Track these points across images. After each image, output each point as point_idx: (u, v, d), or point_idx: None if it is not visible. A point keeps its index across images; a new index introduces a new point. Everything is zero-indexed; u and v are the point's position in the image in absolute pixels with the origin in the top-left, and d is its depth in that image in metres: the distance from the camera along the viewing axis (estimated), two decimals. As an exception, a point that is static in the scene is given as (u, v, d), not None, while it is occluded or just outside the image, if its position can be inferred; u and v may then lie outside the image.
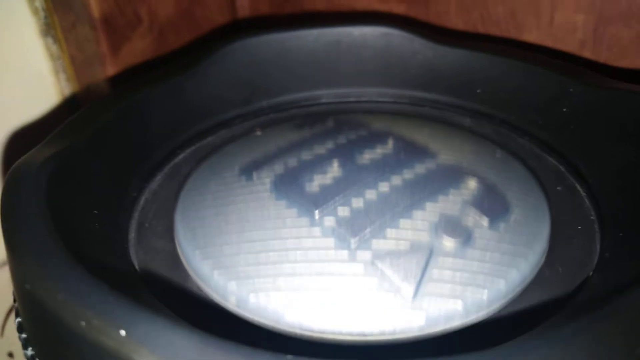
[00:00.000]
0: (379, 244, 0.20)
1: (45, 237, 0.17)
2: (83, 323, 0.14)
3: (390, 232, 0.20)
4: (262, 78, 0.30)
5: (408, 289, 0.18)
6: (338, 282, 0.19)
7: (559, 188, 0.24)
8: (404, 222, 0.20)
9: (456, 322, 0.18)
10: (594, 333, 0.14)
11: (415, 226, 0.20)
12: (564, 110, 0.26)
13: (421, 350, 0.18)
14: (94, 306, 0.14)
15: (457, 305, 0.18)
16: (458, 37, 0.34)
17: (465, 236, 0.20)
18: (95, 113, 0.25)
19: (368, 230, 0.20)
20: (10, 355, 0.29)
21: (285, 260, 0.19)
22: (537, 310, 0.19)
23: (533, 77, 0.27)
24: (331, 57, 0.31)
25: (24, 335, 0.18)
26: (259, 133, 0.28)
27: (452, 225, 0.20)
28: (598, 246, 0.21)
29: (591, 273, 0.20)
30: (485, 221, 0.21)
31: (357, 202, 0.21)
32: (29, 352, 0.18)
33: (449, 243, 0.20)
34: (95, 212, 0.21)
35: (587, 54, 0.32)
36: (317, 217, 0.21)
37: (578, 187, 0.24)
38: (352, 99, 0.31)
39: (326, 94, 0.31)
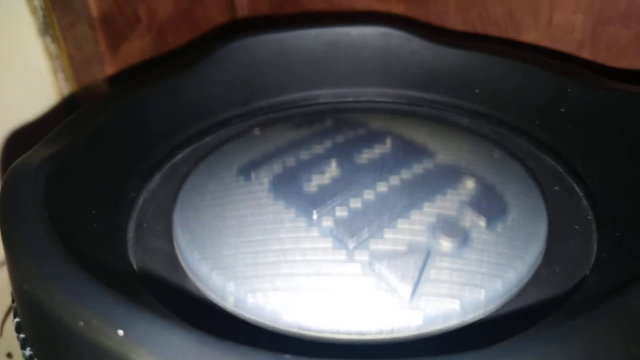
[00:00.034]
0: (376, 244, 0.20)
1: (44, 237, 0.17)
2: (81, 323, 0.14)
3: (388, 232, 0.20)
4: (261, 78, 0.30)
5: (405, 289, 0.18)
6: (336, 283, 0.19)
7: (556, 188, 0.24)
8: (401, 223, 0.20)
9: (454, 322, 0.18)
10: (591, 332, 0.14)
11: (413, 227, 0.20)
12: (562, 110, 0.26)
13: (419, 350, 0.18)
14: (92, 306, 0.14)
15: (454, 305, 0.18)
16: (457, 37, 0.34)
17: (462, 236, 0.20)
18: (93, 113, 0.25)
19: (366, 230, 0.20)
20: (9, 355, 0.29)
21: (283, 261, 0.19)
22: (534, 310, 0.19)
23: (531, 77, 0.28)
24: (330, 57, 0.31)
25: (22, 335, 0.18)
26: (257, 133, 0.28)
27: (449, 226, 0.20)
28: (595, 246, 0.21)
29: (588, 273, 0.20)
30: (482, 221, 0.21)
31: (355, 203, 0.21)
32: (27, 352, 0.18)
33: (446, 243, 0.20)
34: (94, 212, 0.21)
35: (585, 54, 0.32)
36: (315, 217, 0.21)
37: (576, 187, 0.24)
38: (350, 99, 0.31)
39: (325, 94, 0.31)
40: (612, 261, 0.20)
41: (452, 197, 0.22)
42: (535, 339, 0.14)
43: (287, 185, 0.22)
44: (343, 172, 0.23)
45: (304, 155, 0.24)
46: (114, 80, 0.33)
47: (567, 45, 0.32)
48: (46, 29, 0.32)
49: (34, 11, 0.32)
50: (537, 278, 0.20)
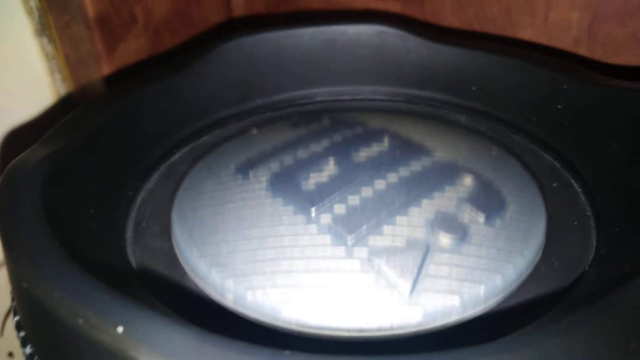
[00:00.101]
0: (375, 240, 0.20)
1: (42, 236, 0.17)
2: (81, 321, 0.14)
3: (386, 229, 0.20)
4: (257, 77, 0.30)
5: (405, 285, 0.18)
6: (335, 279, 0.19)
7: (554, 184, 0.24)
8: (400, 219, 0.20)
9: (453, 318, 0.18)
10: (590, 327, 0.14)
11: (412, 223, 0.20)
12: (559, 107, 0.26)
13: (419, 346, 0.18)
14: (91, 304, 0.14)
15: (454, 301, 0.18)
16: (453, 35, 0.34)
17: (461, 232, 0.20)
18: (90, 113, 0.25)
19: (364, 227, 0.20)
20: (10, 354, 0.29)
21: (282, 258, 0.19)
22: (533, 305, 0.19)
23: (528, 74, 0.28)
24: (326, 55, 0.31)
25: (22, 334, 0.18)
26: (254, 132, 0.28)
27: (448, 222, 0.20)
28: (594, 242, 0.21)
29: (587, 268, 0.20)
30: (481, 217, 0.21)
31: (354, 200, 0.21)
32: (28, 350, 0.18)
33: (445, 239, 0.20)
34: (92, 211, 0.21)
35: (581, 51, 0.32)
36: (313, 214, 0.21)
37: (573, 183, 0.24)
38: (347, 97, 0.31)
39: (321, 93, 0.31)
40: (611, 257, 0.20)
41: (451, 193, 0.22)
42: (534, 334, 0.14)
43: (285, 184, 0.22)
44: (341, 170, 0.23)
45: (302, 153, 0.24)
46: (111, 80, 0.33)
47: (563, 43, 0.33)
48: (42, 29, 0.32)
49: (30, 12, 0.32)
50: (536, 274, 0.20)
